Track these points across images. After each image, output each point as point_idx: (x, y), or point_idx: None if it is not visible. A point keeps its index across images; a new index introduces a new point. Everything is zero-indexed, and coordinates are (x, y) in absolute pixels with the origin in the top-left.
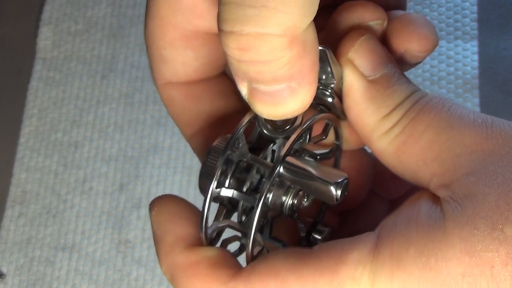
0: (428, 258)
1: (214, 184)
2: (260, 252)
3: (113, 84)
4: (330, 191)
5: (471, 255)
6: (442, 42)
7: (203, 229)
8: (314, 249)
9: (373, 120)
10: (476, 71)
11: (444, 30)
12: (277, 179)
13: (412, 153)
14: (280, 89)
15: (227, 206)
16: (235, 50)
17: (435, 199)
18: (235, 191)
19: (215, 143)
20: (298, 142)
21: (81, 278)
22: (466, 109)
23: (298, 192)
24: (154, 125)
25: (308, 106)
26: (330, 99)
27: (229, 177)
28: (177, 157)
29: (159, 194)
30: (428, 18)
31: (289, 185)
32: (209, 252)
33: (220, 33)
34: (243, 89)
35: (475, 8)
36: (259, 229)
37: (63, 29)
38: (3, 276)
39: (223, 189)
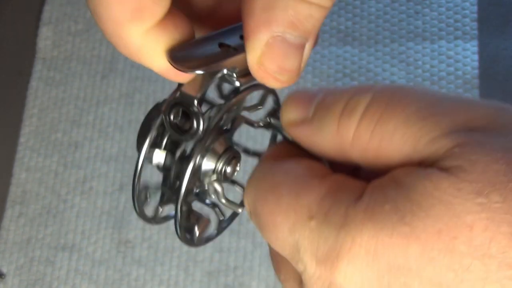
0: (404, 213)
1: (145, 148)
2: (190, 218)
3: (113, 84)
4: None
5: (451, 215)
6: (442, 42)
7: (135, 191)
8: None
9: (331, 133)
10: (476, 71)
11: (444, 30)
12: (210, 146)
13: (389, 153)
14: (302, 43)
15: (161, 170)
16: None
17: (419, 165)
18: (167, 156)
19: (158, 105)
20: (233, 109)
21: (81, 278)
22: (424, 91)
23: (232, 160)
24: None
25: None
26: (237, 83)
27: (164, 141)
28: None
29: None
30: (428, 18)
31: (223, 152)
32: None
33: None
34: (262, 38)
35: (475, 8)
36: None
37: (63, 29)
38: (3, 276)
39: (155, 153)
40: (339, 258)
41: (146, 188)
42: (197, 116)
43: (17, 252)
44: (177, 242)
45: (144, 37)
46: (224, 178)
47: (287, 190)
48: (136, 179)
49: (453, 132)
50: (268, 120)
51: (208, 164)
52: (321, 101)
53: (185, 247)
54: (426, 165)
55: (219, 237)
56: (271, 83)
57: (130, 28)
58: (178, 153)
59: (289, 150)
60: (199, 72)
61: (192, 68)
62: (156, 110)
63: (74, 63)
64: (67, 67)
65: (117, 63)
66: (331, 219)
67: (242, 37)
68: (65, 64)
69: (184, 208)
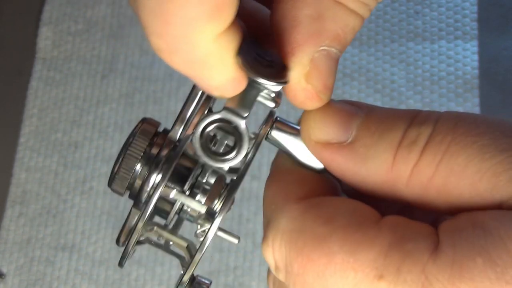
0: (504, 269)
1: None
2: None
3: (113, 84)
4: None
5: None
6: (442, 42)
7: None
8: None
9: (384, 173)
10: (476, 71)
11: (444, 30)
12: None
13: (458, 191)
14: (339, 57)
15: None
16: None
17: (504, 207)
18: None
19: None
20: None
21: (81, 278)
22: (491, 118)
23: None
24: None
25: None
26: (272, 104)
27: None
28: None
29: None
30: (428, 18)
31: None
32: None
33: None
34: (309, 51)
35: (475, 8)
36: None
37: (63, 29)
38: (3, 276)
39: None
40: None
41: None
42: (244, 137)
43: (17, 252)
44: None
45: (215, 41)
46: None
47: (339, 245)
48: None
49: None
50: (268, 132)
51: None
52: (367, 123)
53: None
54: (510, 205)
55: (219, 237)
56: (310, 103)
57: (202, 30)
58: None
59: (311, 180)
60: (270, 83)
61: (261, 77)
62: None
63: (74, 63)
64: (67, 67)
65: (117, 63)
66: (406, 278)
67: (271, 53)
68: (65, 64)
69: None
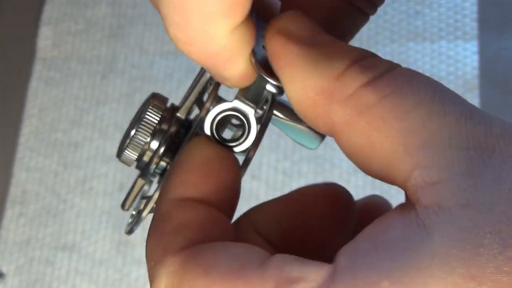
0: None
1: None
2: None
3: (113, 84)
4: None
5: (479, 279)
6: (442, 42)
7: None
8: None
9: (327, 80)
10: (476, 71)
11: (444, 30)
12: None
13: (390, 134)
14: None
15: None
16: None
17: (410, 210)
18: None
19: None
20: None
21: (81, 278)
22: (457, 95)
23: None
24: None
25: None
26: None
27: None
28: None
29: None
30: (428, 18)
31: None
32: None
33: None
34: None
35: (475, 8)
36: None
37: (63, 29)
38: (3, 276)
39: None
40: None
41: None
42: (251, 127)
43: (17, 252)
44: None
45: (231, 34)
46: None
47: (220, 279)
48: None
49: (470, 148)
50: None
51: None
52: (332, 39)
53: None
54: (412, 184)
55: None
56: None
57: (219, 23)
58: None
59: (189, 221)
60: (274, 82)
61: (274, 77)
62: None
63: (74, 63)
64: (67, 67)
65: (117, 63)
66: None
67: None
68: (65, 64)
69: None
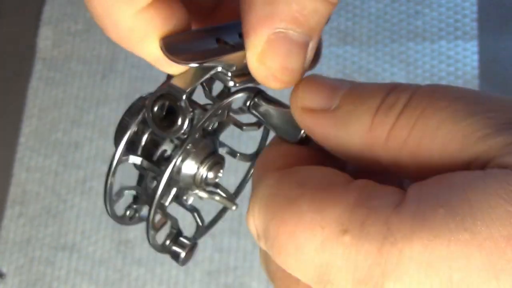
0: (463, 217)
1: (120, 149)
2: (163, 224)
3: (113, 84)
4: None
5: None
6: (442, 42)
7: (107, 190)
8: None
9: (360, 137)
10: (476, 71)
11: (444, 30)
12: (192, 149)
13: (431, 152)
14: (306, 41)
15: (137, 169)
16: None
17: (472, 167)
18: (144, 160)
19: (142, 99)
20: (222, 111)
21: (81, 278)
22: (466, 88)
23: (215, 165)
24: None
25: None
26: (231, 83)
27: (143, 140)
28: None
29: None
30: (428, 18)
31: (205, 157)
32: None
33: None
34: (263, 33)
35: (475, 8)
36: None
37: (63, 29)
38: (3, 276)
39: (131, 156)
40: (385, 275)
41: (122, 188)
42: (183, 111)
43: (17, 252)
44: None
45: (135, 18)
46: (204, 184)
47: (308, 204)
48: (109, 178)
49: (505, 129)
50: (249, 104)
51: (188, 168)
52: (350, 93)
53: None
54: (478, 164)
55: (219, 237)
56: (271, 84)
57: (120, 7)
58: (157, 154)
59: (290, 152)
60: (193, 65)
61: (186, 60)
62: (138, 104)
63: (74, 63)
64: (67, 67)
65: (117, 63)
66: (370, 230)
67: (241, 35)
68: (65, 64)
69: (158, 211)
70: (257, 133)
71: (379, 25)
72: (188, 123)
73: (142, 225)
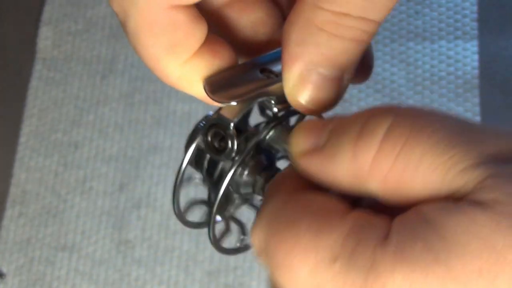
0: (438, 252)
1: (186, 160)
2: (225, 233)
3: (113, 84)
4: None
5: (491, 251)
6: (442, 42)
7: (175, 200)
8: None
9: (347, 158)
10: (476, 71)
11: (444, 30)
12: (250, 162)
13: (413, 184)
14: (339, 76)
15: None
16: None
17: (447, 199)
18: (206, 177)
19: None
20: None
21: (81, 278)
22: (448, 116)
23: (271, 178)
24: (154, 125)
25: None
26: (275, 110)
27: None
28: (177, 157)
29: (159, 194)
30: (428, 18)
31: (265, 166)
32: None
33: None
34: (294, 71)
35: (475, 8)
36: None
37: (63, 29)
38: (3, 276)
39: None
40: None
41: (191, 202)
42: (231, 138)
43: (17, 252)
44: (177, 242)
45: (182, 68)
46: (263, 192)
47: (306, 228)
48: (177, 187)
49: (483, 163)
50: (268, 137)
51: (246, 181)
52: (335, 126)
53: (185, 247)
54: (455, 198)
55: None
56: (307, 112)
57: (167, 62)
58: (216, 173)
59: (300, 177)
60: (233, 103)
61: (227, 99)
62: (197, 130)
63: (74, 63)
64: (67, 67)
65: (117, 63)
66: (357, 261)
67: None
68: (65, 64)
69: (216, 220)
70: None
71: None
72: (237, 147)
73: (142, 225)
